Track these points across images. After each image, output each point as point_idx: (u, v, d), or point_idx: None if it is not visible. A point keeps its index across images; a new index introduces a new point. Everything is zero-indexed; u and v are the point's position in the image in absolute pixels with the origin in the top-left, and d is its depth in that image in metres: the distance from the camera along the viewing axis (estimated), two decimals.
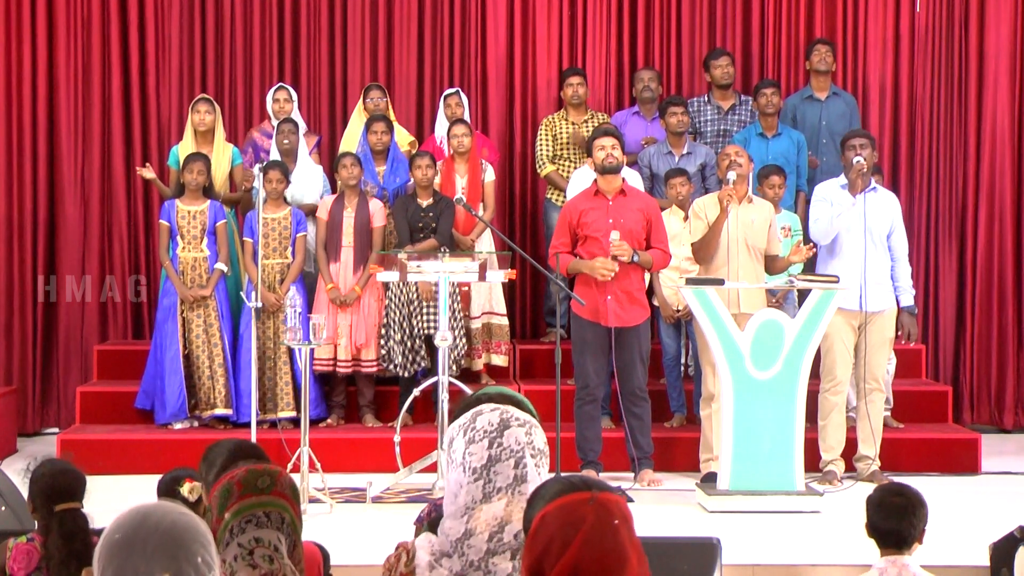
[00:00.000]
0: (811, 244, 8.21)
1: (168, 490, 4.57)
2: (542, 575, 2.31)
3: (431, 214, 8.95)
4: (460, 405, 2.98)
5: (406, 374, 8.95)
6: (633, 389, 8.13)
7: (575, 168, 9.60)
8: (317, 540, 4.24)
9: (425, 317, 8.93)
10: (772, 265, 8.28)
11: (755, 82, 10.18)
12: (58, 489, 4.16)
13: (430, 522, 3.17)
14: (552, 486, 2.40)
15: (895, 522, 4.19)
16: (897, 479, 6.59)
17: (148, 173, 9.30)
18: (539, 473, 2.79)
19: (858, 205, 8.19)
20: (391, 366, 8.93)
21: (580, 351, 8.18)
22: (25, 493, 4.34)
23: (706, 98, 10.04)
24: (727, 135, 9.82)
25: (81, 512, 4.19)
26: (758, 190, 8.81)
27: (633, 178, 8.95)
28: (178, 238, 8.92)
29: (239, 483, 2.85)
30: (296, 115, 9.66)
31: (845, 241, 8.26)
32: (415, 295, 8.94)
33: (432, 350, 8.72)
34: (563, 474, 2.62)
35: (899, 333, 8.52)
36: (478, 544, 2.72)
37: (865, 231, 8.18)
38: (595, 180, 8.23)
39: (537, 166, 9.91)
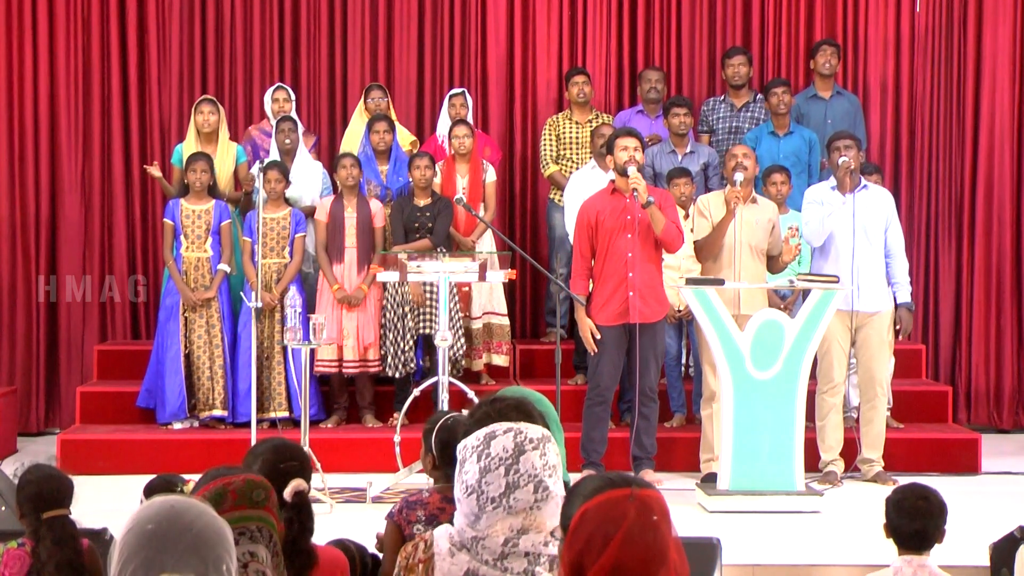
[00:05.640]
0: (797, 241, 8.14)
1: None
2: (582, 572, 2.29)
3: (428, 214, 8.94)
4: (470, 419, 2.98)
5: (397, 375, 8.95)
6: (645, 389, 8.10)
7: (577, 169, 9.57)
8: (359, 543, 4.13)
9: (421, 318, 8.93)
10: (773, 265, 8.28)
11: (755, 82, 10.18)
12: (45, 496, 4.14)
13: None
14: (591, 483, 2.37)
15: (920, 524, 4.20)
16: (899, 479, 6.59)
17: (155, 171, 9.30)
18: (555, 486, 2.81)
19: (848, 204, 8.19)
20: (387, 368, 8.94)
21: (598, 351, 8.15)
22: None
23: (722, 96, 10.04)
24: (739, 132, 9.80)
25: (69, 519, 4.17)
26: (763, 189, 8.79)
27: None
28: (182, 237, 8.91)
29: (234, 492, 2.82)
30: (295, 115, 9.65)
31: (837, 241, 8.25)
32: (410, 296, 8.93)
33: (432, 350, 8.71)
34: (600, 472, 2.63)
35: (897, 327, 8.51)
36: (492, 547, 2.79)
37: (855, 231, 8.17)
38: (611, 180, 8.19)
39: (541, 166, 9.89)
